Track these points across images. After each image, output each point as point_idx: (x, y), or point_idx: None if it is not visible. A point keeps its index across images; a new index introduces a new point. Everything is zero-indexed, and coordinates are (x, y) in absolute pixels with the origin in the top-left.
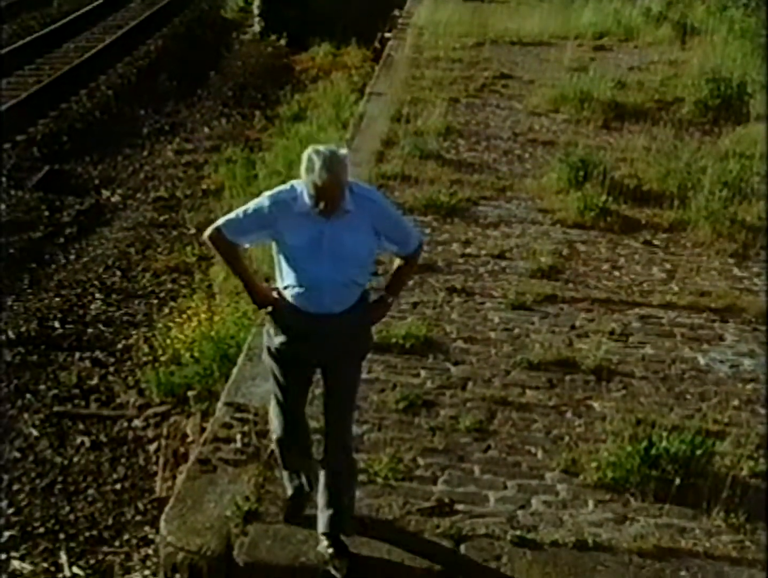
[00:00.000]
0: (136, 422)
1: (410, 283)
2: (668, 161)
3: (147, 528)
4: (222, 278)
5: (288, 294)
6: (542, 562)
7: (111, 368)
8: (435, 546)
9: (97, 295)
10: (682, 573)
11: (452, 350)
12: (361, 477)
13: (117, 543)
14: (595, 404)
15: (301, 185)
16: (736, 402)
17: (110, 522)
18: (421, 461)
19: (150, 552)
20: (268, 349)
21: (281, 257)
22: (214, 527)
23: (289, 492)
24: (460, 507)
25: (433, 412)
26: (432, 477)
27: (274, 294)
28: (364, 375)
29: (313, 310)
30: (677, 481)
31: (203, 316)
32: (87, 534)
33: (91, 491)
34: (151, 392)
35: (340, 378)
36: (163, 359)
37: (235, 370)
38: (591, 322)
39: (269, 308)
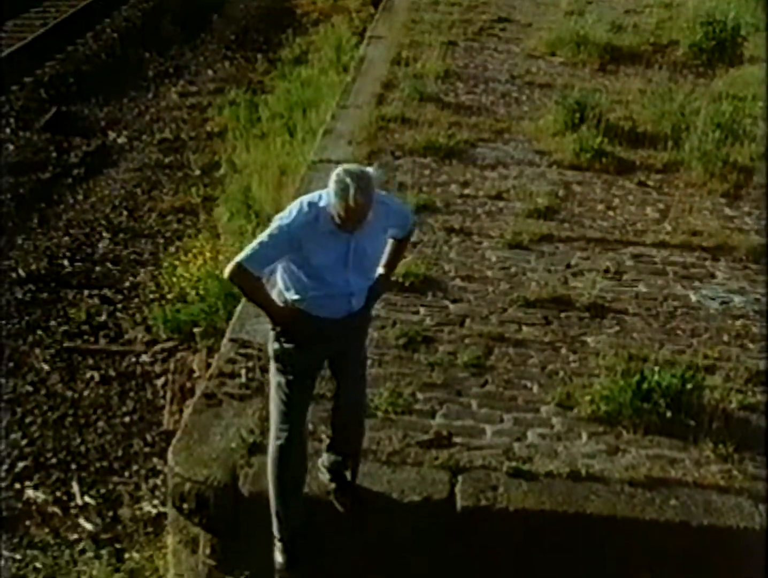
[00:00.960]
0: (144, 358)
1: None
2: (662, 103)
3: (155, 460)
4: (226, 218)
5: (308, 305)
6: (537, 492)
7: (119, 305)
8: (434, 476)
9: (105, 234)
10: (672, 501)
11: (451, 289)
12: None
13: (126, 474)
14: (589, 340)
15: (322, 201)
16: (726, 338)
17: (120, 453)
18: (420, 395)
19: (158, 482)
20: (280, 358)
21: (300, 272)
22: (220, 458)
23: (280, 559)
24: (457, 439)
25: (431, 348)
26: (431, 410)
27: (289, 309)
28: None
29: (338, 316)
30: (668, 414)
31: (208, 255)
32: (98, 464)
33: (101, 423)
34: (158, 328)
35: (355, 354)
36: (169, 296)
37: (239, 307)
38: (586, 261)
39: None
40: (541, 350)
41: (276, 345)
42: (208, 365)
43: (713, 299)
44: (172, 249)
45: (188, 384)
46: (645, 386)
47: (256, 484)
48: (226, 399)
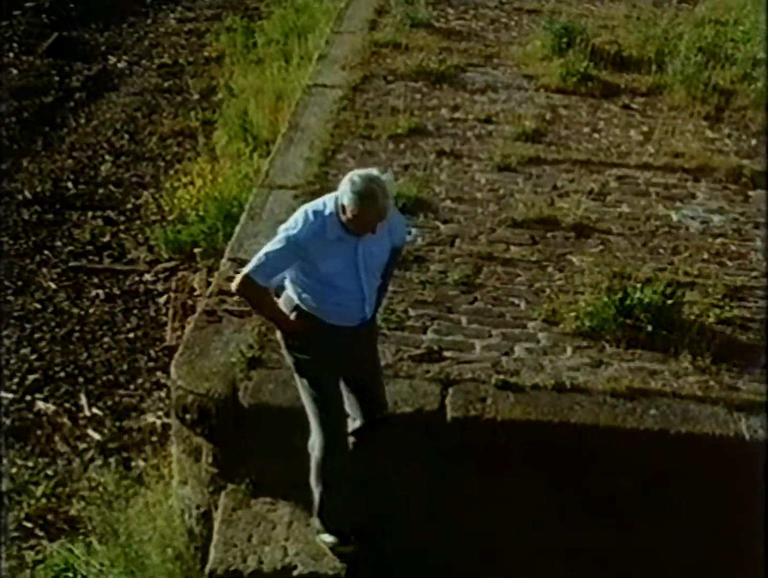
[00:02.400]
0: (147, 277)
1: (401, 146)
2: (647, 28)
3: (159, 374)
4: (225, 142)
5: (323, 313)
6: (524, 403)
7: (122, 226)
8: (425, 389)
9: (107, 157)
10: (652, 411)
11: (441, 210)
12: None
13: (132, 387)
14: (575, 259)
15: (327, 209)
16: (705, 256)
17: (125, 367)
18: (412, 312)
19: (162, 395)
20: (298, 368)
21: (312, 280)
22: (221, 372)
23: (331, 540)
24: (448, 354)
25: (423, 267)
26: (422, 326)
27: (299, 321)
28: None
29: (350, 323)
30: (649, 328)
31: (207, 177)
32: (104, 378)
33: (106, 339)
34: (160, 248)
35: (369, 362)
36: (170, 218)
37: (237, 228)
38: (571, 182)
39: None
40: (528, 269)
41: (291, 357)
42: (209, 284)
43: (693, 218)
44: (172, 172)
45: (189, 302)
46: (627, 302)
47: (255, 396)
48: (225, 316)
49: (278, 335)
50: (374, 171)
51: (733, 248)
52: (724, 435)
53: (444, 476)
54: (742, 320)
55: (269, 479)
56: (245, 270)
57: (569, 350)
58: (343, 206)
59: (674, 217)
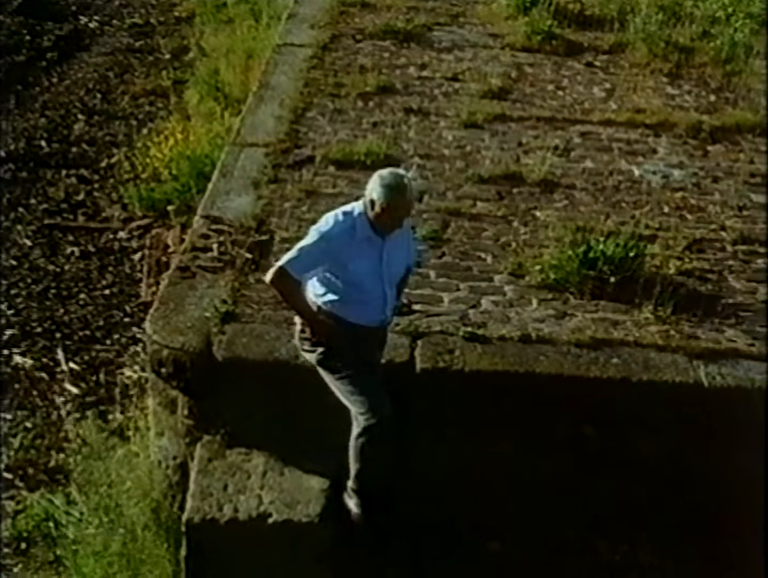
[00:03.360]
0: (121, 234)
1: (370, 104)
2: None
3: (135, 329)
4: (196, 101)
5: (346, 312)
6: (491, 354)
7: (96, 185)
8: (395, 341)
9: (80, 116)
10: (614, 360)
11: (409, 166)
12: None
13: (108, 342)
14: (540, 214)
15: (356, 210)
16: (666, 209)
17: (101, 323)
18: None
19: (138, 349)
20: (324, 360)
21: (338, 280)
22: (195, 327)
23: (354, 508)
24: (417, 307)
25: None
26: None
27: (328, 324)
28: (329, 190)
29: (373, 324)
30: (612, 280)
31: (179, 136)
32: (81, 333)
33: (82, 295)
34: (134, 206)
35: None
36: (143, 176)
37: (210, 185)
38: (536, 139)
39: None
40: (495, 224)
41: (312, 355)
42: (182, 241)
43: (655, 173)
44: (145, 131)
45: (164, 258)
46: (591, 255)
47: (229, 350)
48: (199, 272)
49: (296, 335)
50: (400, 169)
51: (693, 201)
52: (684, 382)
53: (413, 425)
54: (702, 271)
55: (244, 430)
56: (280, 262)
57: (534, 302)
58: (372, 202)
59: (636, 172)
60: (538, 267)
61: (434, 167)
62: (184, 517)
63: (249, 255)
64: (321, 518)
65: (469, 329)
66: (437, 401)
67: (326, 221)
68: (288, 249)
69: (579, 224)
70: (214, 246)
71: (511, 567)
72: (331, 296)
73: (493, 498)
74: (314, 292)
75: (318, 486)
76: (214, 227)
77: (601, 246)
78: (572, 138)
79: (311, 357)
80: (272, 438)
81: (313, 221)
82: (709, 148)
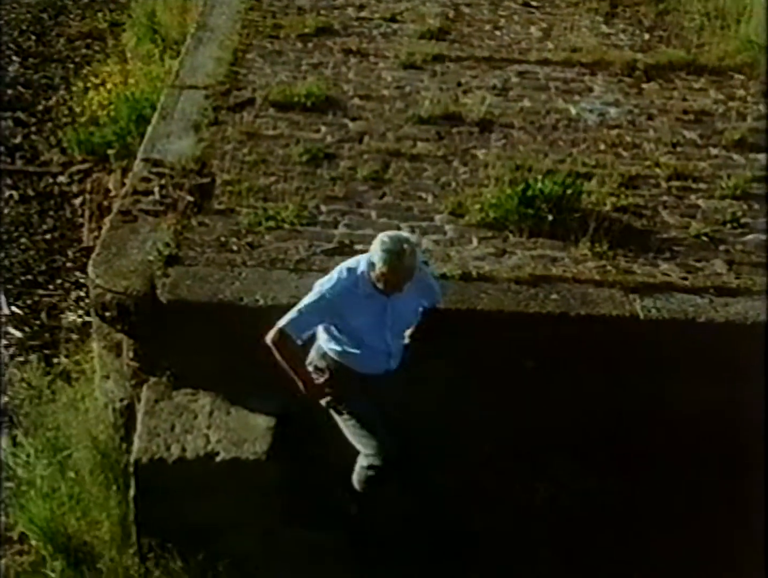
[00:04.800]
0: (61, 179)
1: (309, 46)
2: None
3: (77, 273)
4: (134, 43)
5: (350, 362)
6: None
7: (33, 128)
8: None
9: (14, 58)
10: (553, 296)
11: (349, 107)
12: (270, 223)
13: (51, 287)
14: (479, 153)
15: (360, 267)
16: (602, 147)
17: (43, 268)
18: (323, 208)
19: (82, 294)
20: (332, 404)
21: (340, 334)
22: (138, 270)
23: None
24: (359, 247)
25: (333, 163)
26: (334, 222)
27: (319, 385)
28: (269, 132)
29: (378, 372)
30: (550, 218)
31: (118, 79)
32: (23, 278)
33: (23, 240)
34: (73, 150)
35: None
36: (82, 120)
37: (149, 129)
38: (475, 79)
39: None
40: (435, 164)
41: (321, 400)
42: (123, 184)
43: (591, 111)
44: (82, 74)
45: (105, 203)
46: (529, 193)
47: (173, 293)
48: (141, 216)
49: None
50: (404, 232)
51: (628, 139)
52: (621, 315)
53: None
54: (637, 207)
55: (189, 371)
56: (280, 323)
57: (475, 240)
58: (372, 264)
59: (573, 110)
60: (477, 206)
61: (374, 108)
62: (132, 458)
63: (191, 198)
64: (268, 455)
65: None
66: None
67: (330, 278)
68: (231, 193)
69: (517, 162)
70: (156, 189)
71: (450, 499)
72: (335, 346)
73: (433, 430)
74: (322, 339)
75: (264, 424)
76: (154, 170)
77: (539, 184)
78: (510, 78)
79: (321, 401)
80: (218, 378)
81: (255, 163)
82: (644, 86)
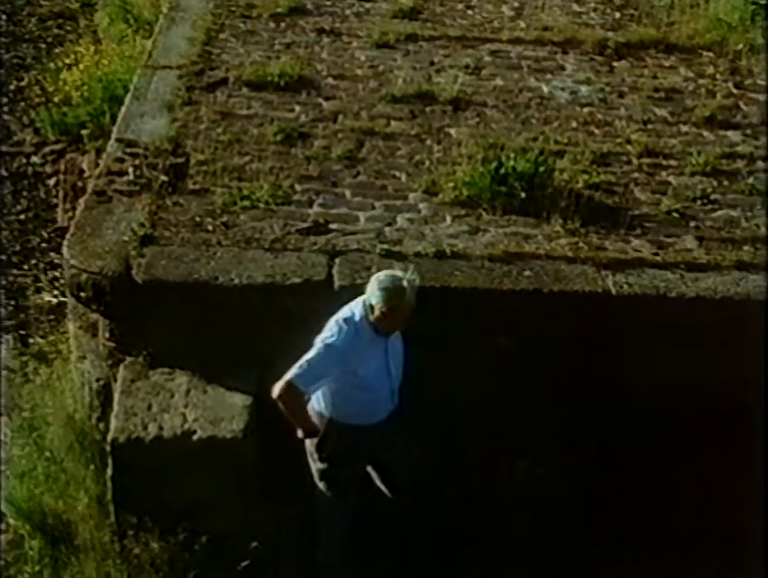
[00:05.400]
0: (35, 159)
1: (282, 25)
2: None
3: (53, 254)
4: (106, 23)
5: (355, 416)
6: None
7: (5, 108)
8: (313, 260)
9: None
10: (526, 273)
11: (323, 87)
12: (245, 203)
13: (26, 267)
14: (452, 132)
15: (357, 315)
16: (574, 125)
17: (17, 248)
18: (298, 187)
19: (57, 274)
20: (325, 474)
21: (347, 387)
22: (113, 251)
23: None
24: (334, 226)
25: (307, 143)
26: (308, 201)
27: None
28: (243, 112)
29: (382, 417)
30: (523, 195)
31: (90, 59)
32: None
33: None
34: (46, 131)
35: (399, 452)
36: (55, 100)
37: (123, 109)
38: (447, 58)
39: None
40: (408, 142)
41: (319, 465)
42: (97, 165)
43: (563, 89)
44: (54, 54)
45: (79, 183)
46: (502, 171)
47: (148, 273)
48: (115, 196)
49: (308, 443)
50: (398, 271)
51: (599, 116)
52: (593, 291)
53: None
54: (608, 184)
55: (166, 351)
56: (287, 376)
57: (448, 218)
58: (371, 306)
59: (545, 89)
60: (451, 184)
61: (348, 87)
62: (109, 437)
63: (165, 178)
64: (245, 434)
65: (385, 246)
66: None
67: (330, 331)
68: (205, 173)
69: (490, 141)
70: (130, 170)
71: (422, 474)
72: (335, 404)
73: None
74: (321, 404)
75: (241, 402)
76: (128, 150)
77: (511, 162)
78: (482, 57)
79: (314, 467)
80: (194, 357)
81: (229, 143)
82: (615, 64)
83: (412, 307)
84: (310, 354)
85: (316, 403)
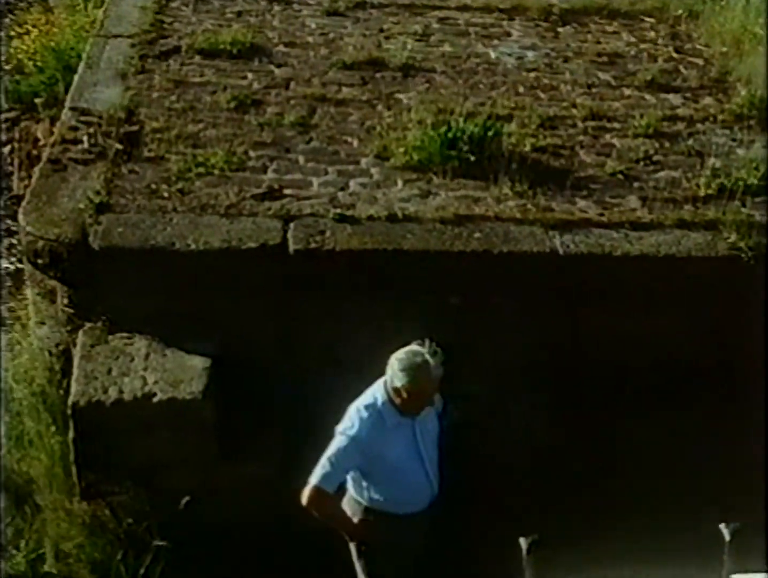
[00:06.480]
0: None
1: None
2: None
3: (9, 222)
4: None
5: (392, 505)
6: (360, 234)
7: None
8: (268, 225)
9: None
10: (476, 234)
11: (275, 54)
12: (200, 170)
13: None
14: (402, 97)
15: (379, 400)
16: (521, 89)
17: None
18: (252, 153)
19: (14, 241)
20: (369, 571)
21: (378, 474)
22: (69, 218)
23: None
24: (288, 191)
25: (260, 110)
26: (262, 167)
27: (363, 524)
28: (196, 79)
29: (421, 505)
30: (472, 159)
31: (42, 28)
32: None
33: None
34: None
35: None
36: (7, 68)
37: (76, 78)
38: (397, 25)
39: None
40: (360, 108)
41: (361, 563)
42: (52, 133)
43: (510, 55)
44: (5, 22)
45: (34, 151)
46: (451, 135)
47: (105, 239)
48: (70, 164)
49: (351, 543)
50: (414, 346)
51: (545, 81)
52: (541, 251)
53: (289, 303)
54: (555, 147)
55: (124, 316)
56: (313, 482)
57: (400, 182)
58: (395, 389)
59: (492, 54)
60: (402, 149)
61: (299, 55)
62: (70, 400)
63: (120, 146)
64: (204, 395)
65: (338, 210)
66: (311, 280)
67: (350, 420)
68: (160, 140)
69: (440, 106)
70: (84, 138)
71: None
72: (373, 493)
73: (362, 362)
74: (357, 492)
75: (200, 364)
76: (83, 118)
77: (461, 127)
78: (431, 23)
79: (358, 568)
80: (153, 322)
81: (183, 111)
82: (559, 30)
83: (438, 380)
84: (331, 450)
85: (351, 487)
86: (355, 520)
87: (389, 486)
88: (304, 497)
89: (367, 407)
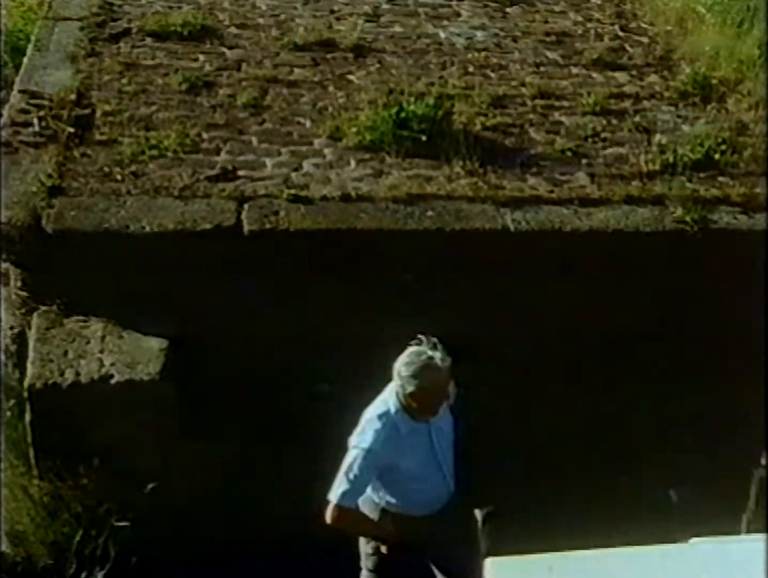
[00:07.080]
0: None
1: None
2: None
3: None
4: None
5: (408, 508)
6: (314, 214)
7: None
8: (222, 207)
9: None
10: (429, 213)
11: (226, 36)
12: (153, 152)
13: None
14: (354, 78)
15: (392, 408)
16: (470, 69)
17: None
18: (205, 135)
19: None
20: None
21: (396, 480)
22: (21, 202)
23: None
24: (242, 173)
25: (212, 92)
26: (216, 148)
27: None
28: (148, 62)
29: (438, 505)
30: (424, 138)
31: None
32: None
33: None
34: None
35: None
36: None
37: (25, 60)
38: (347, 6)
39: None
40: (312, 89)
41: (367, 558)
42: (1, 116)
43: (459, 35)
44: None
45: None
46: (403, 115)
47: (58, 223)
48: (21, 147)
49: (363, 547)
50: (414, 347)
51: (494, 60)
52: (493, 228)
53: (243, 284)
54: (505, 126)
55: (80, 299)
56: (333, 500)
57: (353, 162)
58: (411, 395)
59: (442, 35)
60: (354, 129)
61: (250, 36)
62: (26, 383)
63: (71, 129)
64: (161, 376)
65: (292, 191)
66: (265, 260)
67: (364, 432)
68: (112, 123)
69: (391, 86)
70: (35, 121)
71: (339, 406)
72: (391, 498)
73: (321, 343)
74: (376, 495)
75: (157, 346)
76: (33, 101)
77: (412, 107)
78: (381, 4)
79: (367, 560)
80: (109, 304)
81: (135, 93)
82: (508, 10)
83: (450, 377)
84: (347, 464)
85: (375, 497)
86: (382, 523)
87: (407, 492)
88: (328, 517)
89: (380, 416)
